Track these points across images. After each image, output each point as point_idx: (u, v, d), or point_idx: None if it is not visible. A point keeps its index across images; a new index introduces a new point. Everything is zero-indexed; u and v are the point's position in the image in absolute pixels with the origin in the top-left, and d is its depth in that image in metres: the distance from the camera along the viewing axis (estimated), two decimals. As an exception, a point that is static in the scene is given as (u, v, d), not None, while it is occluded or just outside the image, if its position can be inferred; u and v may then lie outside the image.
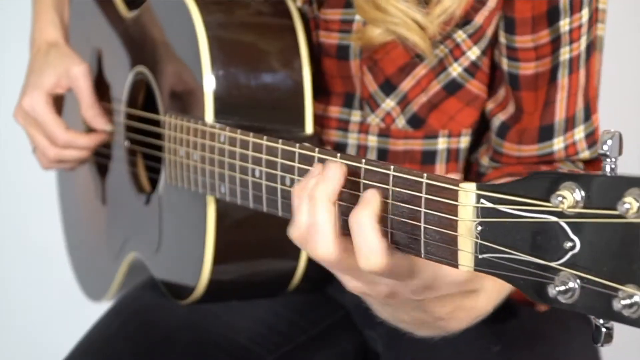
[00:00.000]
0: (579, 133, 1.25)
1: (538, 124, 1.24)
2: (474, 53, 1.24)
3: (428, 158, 1.29)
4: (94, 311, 1.55)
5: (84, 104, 1.48)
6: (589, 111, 1.25)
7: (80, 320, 1.62)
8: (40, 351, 2.34)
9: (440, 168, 1.29)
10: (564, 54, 1.20)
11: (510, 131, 1.25)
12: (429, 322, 1.04)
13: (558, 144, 1.24)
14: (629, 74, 1.83)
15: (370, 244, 0.88)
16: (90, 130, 1.56)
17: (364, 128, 1.31)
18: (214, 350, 1.36)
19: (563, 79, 1.21)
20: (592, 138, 1.25)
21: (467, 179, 1.32)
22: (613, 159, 0.73)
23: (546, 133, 1.24)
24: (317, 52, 1.31)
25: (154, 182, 1.45)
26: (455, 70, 1.25)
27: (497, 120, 1.27)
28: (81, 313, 1.78)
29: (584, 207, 0.72)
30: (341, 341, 1.44)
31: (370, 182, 0.92)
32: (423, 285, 0.94)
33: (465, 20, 1.22)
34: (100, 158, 1.59)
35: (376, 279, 0.94)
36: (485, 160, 1.30)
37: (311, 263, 1.29)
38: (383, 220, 0.91)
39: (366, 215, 0.88)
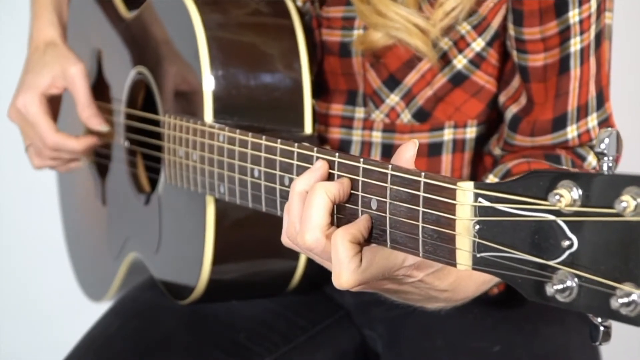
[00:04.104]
0: (592, 121, 1.25)
1: (551, 116, 1.24)
2: (478, 44, 1.25)
3: (434, 150, 1.30)
4: (94, 311, 1.55)
5: (80, 104, 1.48)
6: (602, 99, 1.25)
7: (80, 320, 1.62)
8: (40, 351, 2.34)
9: (446, 159, 1.30)
10: (575, 44, 1.21)
11: (522, 123, 1.26)
12: (435, 297, 1.04)
13: (572, 132, 1.25)
14: (629, 73, 1.83)
15: (341, 263, 0.90)
16: (87, 132, 1.56)
17: (368, 124, 1.31)
18: (214, 350, 1.36)
19: (575, 69, 1.22)
20: (606, 124, 1.26)
21: (480, 170, 1.32)
22: (610, 157, 0.72)
23: (559, 123, 1.25)
24: (319, 51, 1.31)
25: (153, 182, 1.45)
26: (460, 62, 1.26)
27: (510, 113, 1.27)
28: (81, 313, 1.78)
29: (582, 206, 0.72)
30: (341, 341, 1.44)
31: (368, 181, 0.92)
32: (410, 270, 0.96)
33: (469, 12, 1.23)
34: (100, 158, 1.59)
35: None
36: (497, 151, 1.30)
37: (311, 263, 1.29)
38: (381, 220, 0.91)
39: (340, 234, 0.90)
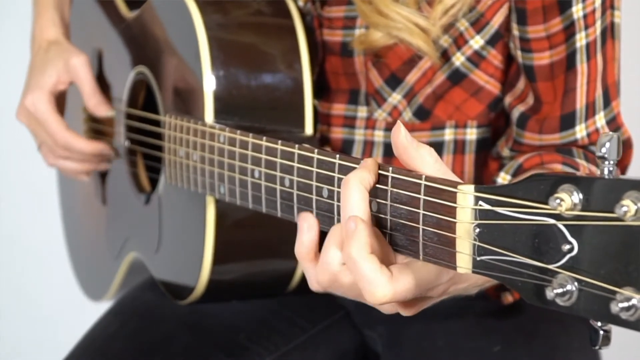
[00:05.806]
0: (600, 120, 1.24)
1: (559, 112, 1.23)
2: (476, 42, 1.24)
3: (435, 150, 1.29)
4: (94, 311, 1.55)
5: (86, 94, 1.48)
6: (608, 97, 1.25)
7: (80, 320, 1.63)
8: (40, 351, 2.34)
9: (447, 160, 1.29)
10: (580, 39, 1.20)
11: (530, 121, 1.25)
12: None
13: (580, 131, 1.24)
14: (630, 73, 1.83)
15: (369, 278, 0.86)
16: (90, 134, 1.56)
17: (370, 124, 1.31)
18: (214, 350, 1.36)
19: (582, 64, 1.21)
20: (614, 124, 1.25)
21: (485, 175, 1.32)
22: (611, 162, 0.72)
23: (568, 122, 1.24)
24: (321, 51, 1.31)
25: (154, 182, 1.45)
26: (459, 59, 1.25)
27: (517, 112, 1.27)
28: (81, 313, 1.78)
29: (582, 210, 0.72)
30: (341, 341, 1.44)
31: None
32: (448, 285, 0.94)
33: (468, 9, 1.22)
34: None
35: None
36: (505, 152, 1.29)
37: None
38: (381, 223, 0.91)
39: (356, 248, 0.86)
